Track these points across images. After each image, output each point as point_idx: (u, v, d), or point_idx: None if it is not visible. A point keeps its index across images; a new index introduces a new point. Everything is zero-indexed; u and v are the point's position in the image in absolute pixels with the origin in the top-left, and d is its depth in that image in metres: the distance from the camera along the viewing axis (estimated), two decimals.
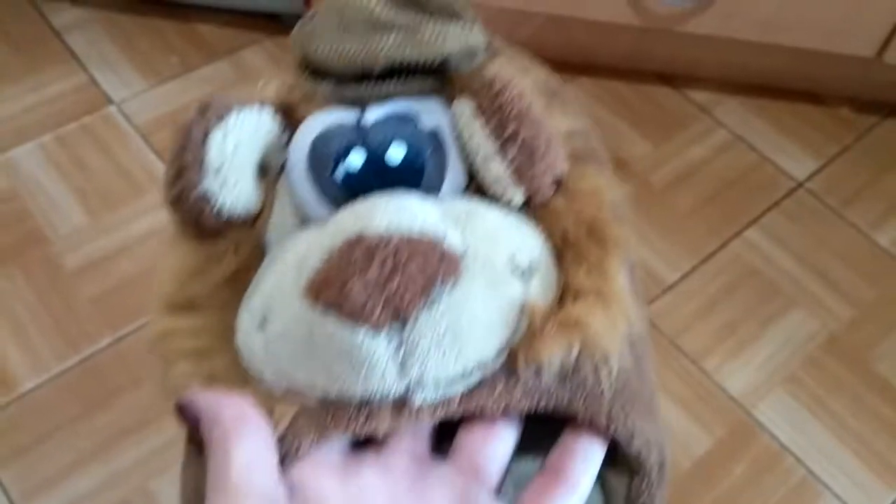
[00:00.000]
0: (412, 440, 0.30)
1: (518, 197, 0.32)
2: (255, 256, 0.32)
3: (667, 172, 1.11)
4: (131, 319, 0.92)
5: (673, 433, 0.89)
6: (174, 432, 0.72)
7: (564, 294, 0.30)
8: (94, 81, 1.15)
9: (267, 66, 1.19)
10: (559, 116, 0.34)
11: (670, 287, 1.00)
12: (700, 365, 0.94)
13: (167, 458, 0.83)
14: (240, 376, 0.30)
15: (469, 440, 0.30)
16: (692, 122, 1.17)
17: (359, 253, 0.27)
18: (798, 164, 1.14)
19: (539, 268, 0.30)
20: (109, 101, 1.13)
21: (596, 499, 0.31)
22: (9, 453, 0.83)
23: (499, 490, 0.29)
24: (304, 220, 0.32)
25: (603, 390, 0.29)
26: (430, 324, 0.27)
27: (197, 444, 0.28)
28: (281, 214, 0.32)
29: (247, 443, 0.26)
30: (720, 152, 1.14)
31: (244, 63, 1.19)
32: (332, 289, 0.27)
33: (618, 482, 0.31)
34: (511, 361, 0.29)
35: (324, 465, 0.28)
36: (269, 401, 0.28)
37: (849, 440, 0.90)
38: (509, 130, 0.31)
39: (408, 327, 0.27)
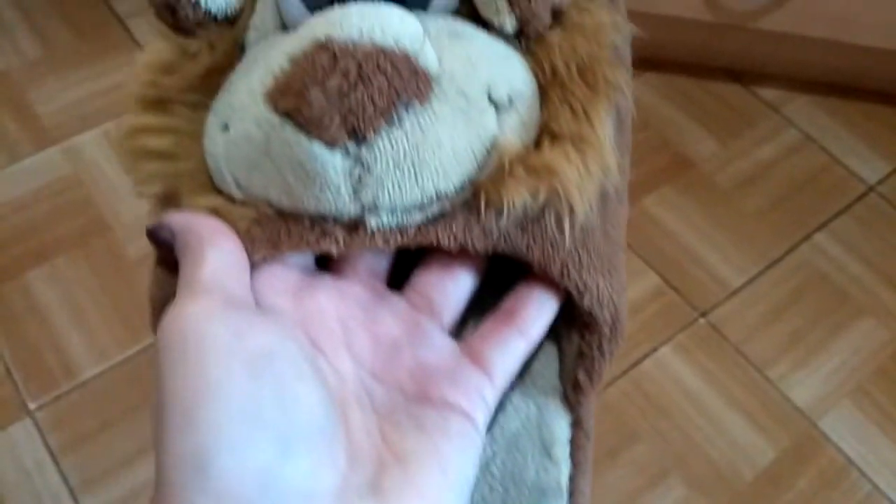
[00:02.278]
0: (369, 272, 0.30)
1: (510, 23, 0.29)
2: (231, 57, 0.31)
3: (733, 172, 1.08)
4: None
5: (735, 443, 0.87)
6: None
7: (543, 135, 0.28)
8: None
9: None
10: None
11: (735, 292, 0.98)
12: (765, 373, 0.92)
13: None
14: (204, 181, 0.29)
15: (425, 276, 0.30)
16: (761, 120, 1.14)
17: (324, 59, 0.25)
18: (869, 167, 1.10)
19: (519, 103, 0.28)
20: None
21: (550, 354, 0.31)
22: (69, 441, 0.84)
23: (454, 334, 0.29)
24: (284, 25, 0.30)
25: (563, 241, 0.27)
26: (391, 144, 0.26)
27: (168, 266, 0.28)
28: (262, 16, 0.31)
29: (221, 249, 0.26)
30: (789, 153, 1.11)
31: None
32: (291, 95, 0.25)
33: (572, 339, 0.30)
34: (474, 198, 0.27)
35: (280, 282, 0.28)
36: (228, 208, 0.28)
37: None
38: None
39: (366, 145, 0.25)
